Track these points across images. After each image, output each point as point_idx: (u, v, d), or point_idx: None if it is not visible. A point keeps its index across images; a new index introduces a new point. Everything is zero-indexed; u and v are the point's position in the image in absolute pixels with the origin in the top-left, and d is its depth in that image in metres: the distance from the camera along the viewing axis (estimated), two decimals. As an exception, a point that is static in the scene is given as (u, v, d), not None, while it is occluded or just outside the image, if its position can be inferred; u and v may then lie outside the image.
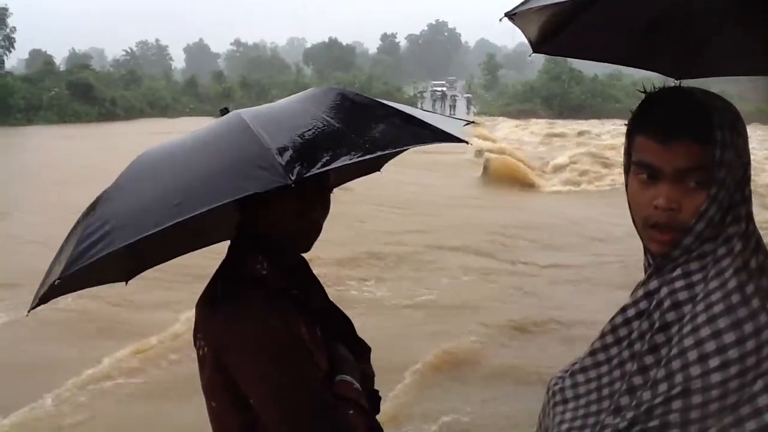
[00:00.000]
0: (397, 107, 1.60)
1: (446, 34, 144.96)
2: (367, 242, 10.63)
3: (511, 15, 1.58)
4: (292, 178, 1.22)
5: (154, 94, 62.73)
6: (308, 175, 1.27)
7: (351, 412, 1.54)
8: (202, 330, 1.53)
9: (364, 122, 1.51)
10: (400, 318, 7.50)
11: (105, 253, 1.23)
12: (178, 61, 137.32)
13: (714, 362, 1.08)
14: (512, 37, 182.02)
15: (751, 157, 1.23)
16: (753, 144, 1.25)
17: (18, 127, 44.50)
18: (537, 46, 1.82)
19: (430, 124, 1.56)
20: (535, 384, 5.59)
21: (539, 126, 37.95)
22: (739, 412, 1.08)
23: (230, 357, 1.47)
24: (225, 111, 1.62)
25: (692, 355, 1.10)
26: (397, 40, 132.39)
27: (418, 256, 10.08)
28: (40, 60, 64.44)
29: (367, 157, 1.40)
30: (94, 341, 6.96)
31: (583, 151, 21.87)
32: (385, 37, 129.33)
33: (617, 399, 1.20)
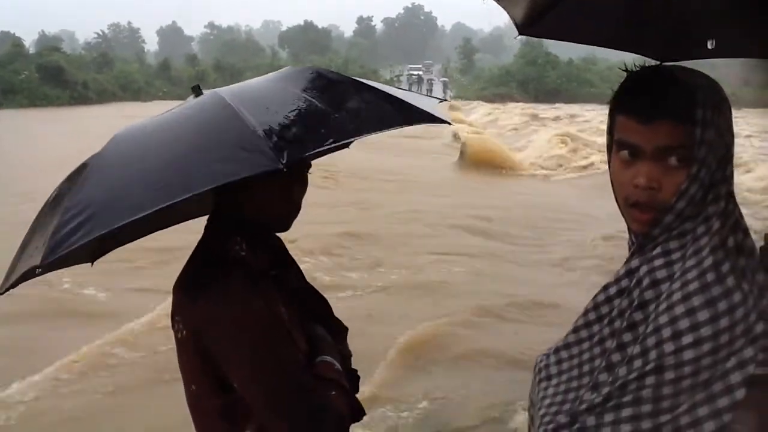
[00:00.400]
0: (377, 86, 1.58)
1: (422, 17, 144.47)
2: (342, 224, 10.60)
3: None
4: (283, 162, 1.20)
5: (126, 77, 61.89)
6: (299, 158, 1.25)
7: (333, 392, 1.54)
8: (180, 313, 1.51)
9: (348, 102, 1.49)
10: (377, 300, 7.49)
11: (86, 240, 1.19)
12: (151, 44, 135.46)
13: (687, 339, 1.10)
14: (489, 21, 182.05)
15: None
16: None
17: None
18: (522, 28, 1.81)
19: (414, 105, 1.55)
20: (512, 365, 5.65)
21: (515, 109, 38.04)
22: (711, 388, 1.09)
23: (212, 339, 1.45)
24: (197, 89, 1.58)
25: (666, 332, 1.11)
26: (373, 24, 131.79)
27: (395, 239, 10.07)
28: (9, 42, 63.05)
29: (355, 138, 1.40)
30: (65, 327, 6.87)
31: (560, 134, 21.97)
32: (361, 20, 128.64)
33: (596, 375, 1.21)
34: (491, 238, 10.49)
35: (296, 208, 1.62)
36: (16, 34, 61.32)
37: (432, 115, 1.54)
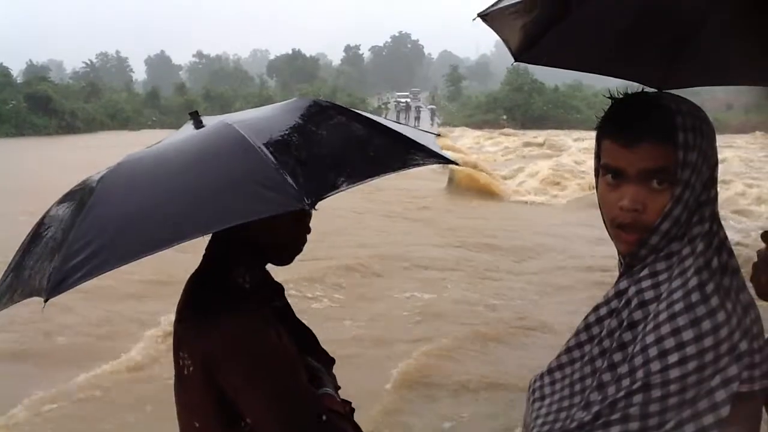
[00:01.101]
0: (384, 123, 1.60)
1: (409, 45, 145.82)
2: (328, 253, 10.57)
3: (483, 15, 1.59)
4: (308, 202, 1.20)
5: (114, 106, 61.84)
6: (321, 199, 1.24)
7: (345, 425, 1.55)
8: (187, 347, 1.47)
9: (363, 142, 1.49)
10: (367, 330, 7.46)
11: (96, 274, 1.15)
12: (139, 73, 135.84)
13: (673, 358, 1.12)
14: (475, 50, 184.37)
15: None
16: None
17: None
18: (518, 54, 1.83)
19: (422, 144, 1.56)
20: (507, 390, 5.63)
21: (503, 136, 38.33)
22: (696, 406, 1.12)
23: (226, 374, 1.42)
24: (195, 115, 1.57)
25: (653, 351, 1.13)
26: (360, 52, 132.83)
27: (383, 266, 10.05)
28: (-3, 72, 63.10)
29: (374, 179, 1.39)
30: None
31: (547, 161, 22.13)
32: (348, 49, 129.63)
33: (588, 395, 1.23)
34: (481, 263, 10.50)
35: (304, 243, 1.62)
36: (4, 64, 61.24)
37: (443, 156, 1.57)
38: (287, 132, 1.42)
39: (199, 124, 1.53)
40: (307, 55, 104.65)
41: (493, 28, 1.72)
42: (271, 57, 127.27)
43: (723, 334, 1.12)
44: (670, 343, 1.12)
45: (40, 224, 1.46)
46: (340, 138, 1.46)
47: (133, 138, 35.28)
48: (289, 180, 1.22)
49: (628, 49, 1.79)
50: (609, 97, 1.30)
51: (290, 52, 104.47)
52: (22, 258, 1.41)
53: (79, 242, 1.21)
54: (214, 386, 1.43)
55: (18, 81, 60.83)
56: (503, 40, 1.81)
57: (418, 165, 1.52)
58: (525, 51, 1.80)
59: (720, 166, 1.30)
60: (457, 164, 1.66)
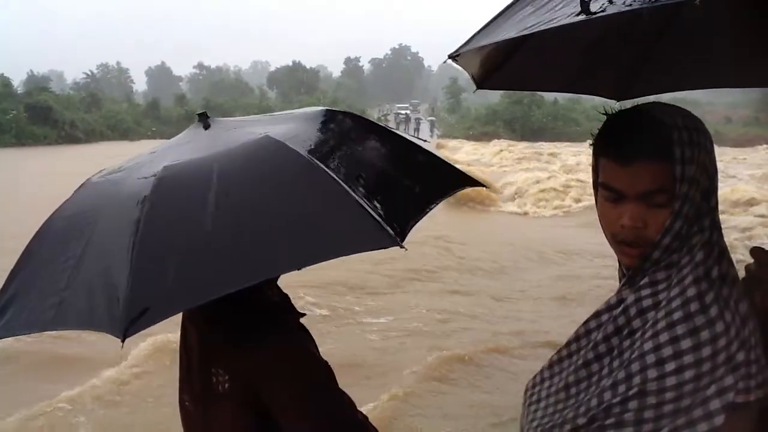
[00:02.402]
0: (413, 141, 1.59)
1: (409, 58, 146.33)
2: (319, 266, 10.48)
3: (454, 56, 1.63)
4: (400, 240, 1.19)
5: (115, 117, 61.86)
6: (406, 233, 1.24)
7: None
8: (224, 365, 1.44)
9: (415, 168, 1.49)
10: (361, 342, 7.43)
11: (170, 315, 1.10)
12: (140, 84, 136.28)
13: (670, 366, 1.13)
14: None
15: None
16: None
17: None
18: (480, 82, 1.86)
19: (452, 165, 1.58)
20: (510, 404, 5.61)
21: (501, 148, 38.35)
22: (691, 414, 1.12)
23: (272, 390, 1.41)
24: (204, 116, 1.55)
25: (650, 358, 1.15)
26: (360, 64, 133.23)
27: (376, 281, 9.99)
28: (-3, 82, 63.27)
29: (432, 208, 1.38)
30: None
31: (543, 172, 22.14)
32: (348, 61, 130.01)
33: (583, 398, 1.24)
34: (475, 275, 10.48)
35: None
36: (5, 74, 61.40)
37: (472, 179, 1.60)
38: (343, 153, 1.36)
39: (206, 126, 1.51)
40: (308, 66, 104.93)
41: (462, 66, 1.76)
42: (272, 69, 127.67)
43: (721, 344, 1.13)
44: (667, 351, 1.13)
45: (52, 243, 1.36)
46: (395, 163, 1.44)
47: (134, 148, 35.07)
48: (375, 215, 1.20)
49: (587, 66, 1.82)
50: (603, 113, 1.30)
51: (290, 63, 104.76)
52: (33, 279, 1.31)
53: (144, 275, 1.13)
54: (252, 405, 1.42)
55: (19, 91, 60.93)
56: (470, 74, 1.85)
57: (458, 189, 1.54)
58: (486, 79, 1.83)
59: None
60: (486, 187, 1.68)
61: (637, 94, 2.00)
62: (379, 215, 1.20)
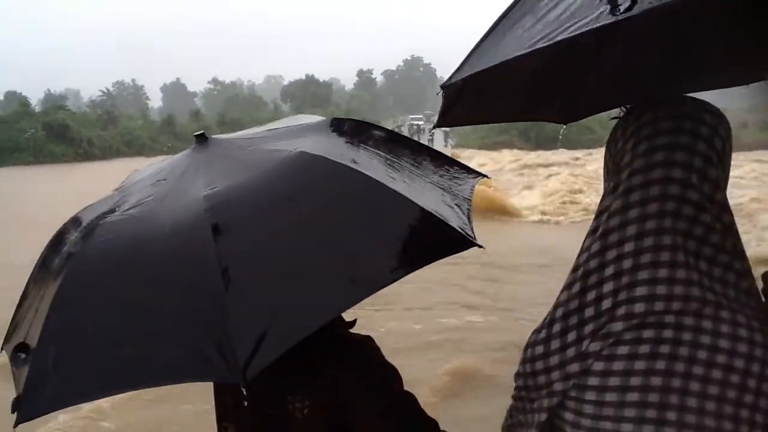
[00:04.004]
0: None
1: (422, 69, 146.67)
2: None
3: (444, 86, 1.60)
4: (479, 243, 1.22)
5: (131, 133, 62.59)
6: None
7: None
8: (301, 391, 1.42)
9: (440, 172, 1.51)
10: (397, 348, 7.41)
11: (282, 350, 1.05)
12: (155, 100, 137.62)
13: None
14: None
15: None
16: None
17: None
18: (438, 122, 1.81)
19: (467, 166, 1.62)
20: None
21: (517, 157, 38.28)
22: None
23: (357, 410, 1.42)
24: (202, 137, 1.49)
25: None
26: (373, 76, 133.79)
27: (397, 289, 9.98)
28: (16, 102, 64.17)
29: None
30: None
31: (561, 181, 22.04)
32: (361, 73, 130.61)
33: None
34: (499, 284, 10.43)
35: None
36: (23, 93, 62.30)
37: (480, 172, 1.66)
38: (394, 170, 1.35)
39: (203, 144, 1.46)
40: (321, 80, 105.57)
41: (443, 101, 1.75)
42: (285, 83, 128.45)
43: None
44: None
45: (91, 295, 1.21)
46: (431, 174, 1.45)
47: (148, 164, 35.45)
48: (454, 224, 1.23)
49: (528, 95, 1.83)
50: (624, 112, 1.33)
51: (304, 77, 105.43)
52: (76, 336, 1.17)
53: (251, 317, 1.07)
54: (335, 427, 1.42)
55: (36, 110, 61.82)
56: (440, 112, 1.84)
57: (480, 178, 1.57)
58: (441, 118, 1.81)
59: None
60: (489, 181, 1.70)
61: (581, 116, 2.01)
62: (445, 219, 1.22)
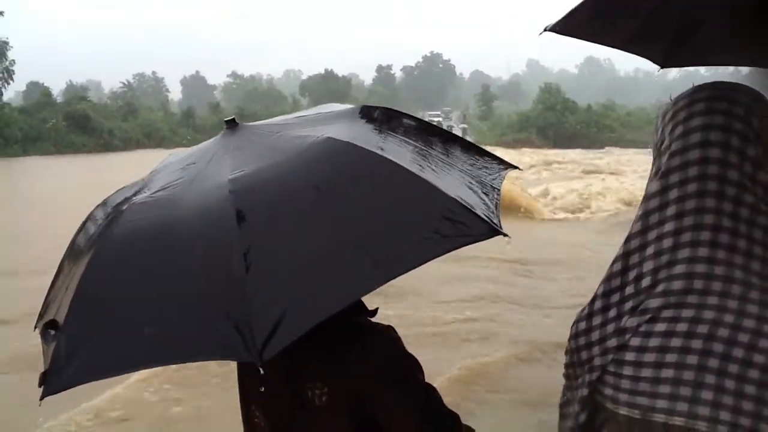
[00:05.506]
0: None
1: (441, 65, 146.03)
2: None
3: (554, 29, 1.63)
4: (503, 231, 1.22)
5: (151, 125, 63.04)
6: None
7: None
8: (323, 379, 1.41)
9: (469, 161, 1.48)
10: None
11: (305, 329, 1.05)
12: (175, 93, 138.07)
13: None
14: (507, 69, 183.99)
15: None
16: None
17: (14, 158, 44.57)
18: (664, 62, 1.96)
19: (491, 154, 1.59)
20: (543, 408, 5.56)
21: (535, 154, 38.09)
22: None
23: (380, 396, 1.41)
24: (233, 122, 1.47)
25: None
26: (392, 72, 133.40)
27: (419, 285, 9.97)
28: (38, 92, 64.76)
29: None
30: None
31: (581, 179, 21.92)
32: (380, 69, 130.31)
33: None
34: (519, 283, 10.40)
35: None
36: (45, 84, 62.87)
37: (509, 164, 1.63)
38: (422, 157, 1.36)
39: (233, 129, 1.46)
40: (340, 75, 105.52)
41: (633, 52, 1.91)
42: (304, 77, 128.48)
43: None
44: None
45: (116, 274, 1.24)
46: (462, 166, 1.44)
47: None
48: (476, 210, 1.23)
49: (645, 30, 1.86)
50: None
51: (323, 72, 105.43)
52: (103, 315, 1.19)
53: (270, 287, 1.10)
54: (356, 415, 1.42)
55: (58, 100, 62.41)
56: (645, 57, 1.96)
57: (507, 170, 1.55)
58: (668, 59, 1.95)
59: None
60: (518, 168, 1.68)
61: (683, 64, 2.08)
62: (471, 206, 1.22)
